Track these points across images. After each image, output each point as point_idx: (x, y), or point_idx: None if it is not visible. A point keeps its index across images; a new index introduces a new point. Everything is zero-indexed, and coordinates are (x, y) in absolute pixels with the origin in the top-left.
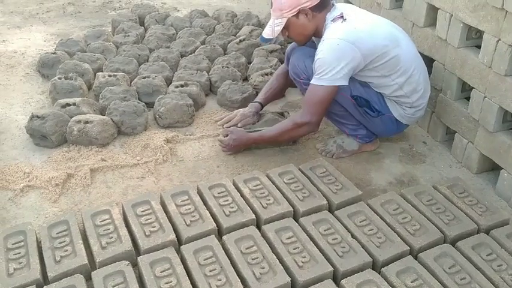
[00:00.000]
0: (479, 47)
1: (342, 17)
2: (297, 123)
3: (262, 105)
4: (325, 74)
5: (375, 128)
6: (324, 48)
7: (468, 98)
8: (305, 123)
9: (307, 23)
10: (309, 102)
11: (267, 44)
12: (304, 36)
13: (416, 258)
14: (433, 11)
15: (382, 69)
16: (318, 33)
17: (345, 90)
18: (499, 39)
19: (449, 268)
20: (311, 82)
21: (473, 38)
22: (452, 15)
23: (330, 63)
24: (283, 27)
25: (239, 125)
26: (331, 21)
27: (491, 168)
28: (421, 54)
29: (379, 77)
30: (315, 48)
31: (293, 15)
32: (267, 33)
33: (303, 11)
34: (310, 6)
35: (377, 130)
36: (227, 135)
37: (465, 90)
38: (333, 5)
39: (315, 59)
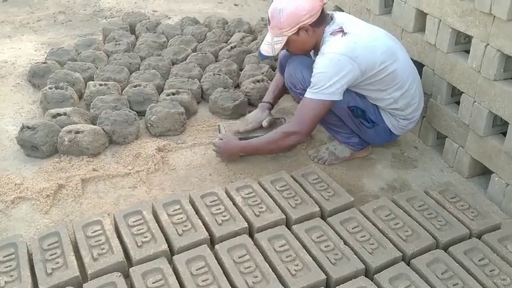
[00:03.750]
0: (468, 51)
1: (342, 30)
2: (285, 132)
3: (272, 105)
4: (323, 89)
5: (368, 137)
6: (324, 63)
7: (458, 103)
8: (294, 132)
9: (307, 39)
10: (302, 114)
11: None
12: (304, 51)
13: (408, 264)
14: (422, 16)
15: (379, 84)
16: (315, 46)
17: (342, 101)
18: (488, 44)
19: (441, 274)
20: (306, 95)
21: (462, 42)
22: (441, 20)
23: (330, 78)
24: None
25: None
26: (330, 34)
27: (483, 172)
28: (411, 59)
29: (375, 90)
30: (311, 57)
31: (293, 33)
32: (266, 50)
33: (303, 28)
34: (310, 22)
35: (370, 139)
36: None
37: (455, 95)
38: (332, 18)
39: (314, 73)
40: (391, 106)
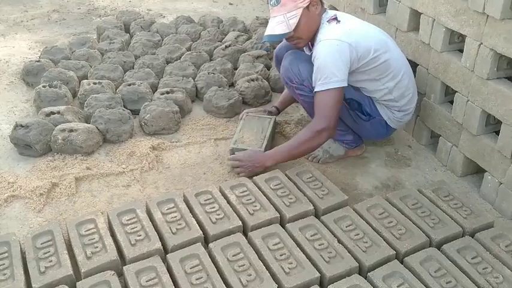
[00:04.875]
0: (461, 51)
1: (336, 18)
2: (316, 131)
3: (279, 110)
4: (331, 77)
5: (364, 132)
6: (324, 51)
7: (452, 102)
8: (323, 129)
9: (315, 15)
10: (323, 109)
11: (273, 44)
12: (311, 33)
13: (402, 262)
14: (416, 15)
15: (373, 72)
16: (313, 36)
17: None
18: (481, 43)
19: (435, 272)
20: (317, 89)
21: (456, 42)
22: (434, 19)
23: (333, 65)
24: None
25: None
26: (327, 21)
27: (476, 171)
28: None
29: (370, 80)
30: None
31: (305, 7)
32: (282, 29)
33: (313, 2)
34: None
35: (366, 134)
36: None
37: (449, 94)
38: (326, 9)
39: (317, 64)
40: (386, 97)
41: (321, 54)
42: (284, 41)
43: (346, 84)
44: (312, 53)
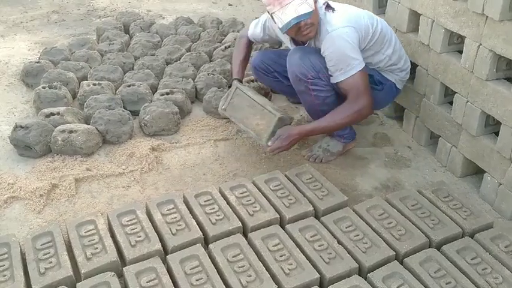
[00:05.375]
0: (461, 52)
1: (329, 6)
2: (355, 111)
3: (241, 81)
4: (352, 64)
5: (378, 101)
6: (336, 41)
7: (451, 103)
8: (362, 108)
9: (315, 2)
10: (357, 91)
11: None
12: (318, 19)
13: (402, 263)
14: (415, 16)
15: (375, 46)
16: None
17: None
18: (480, 44)
19: (434, 272)
20: (342, 78)
21: (455, 43)
22: (434, 20)
23: (350, 51)
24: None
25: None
26: (324, 11)
27: (475, 171)
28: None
29: (373, 54)
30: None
31: None
32: (305, 8)
33: None
34: None
35: (380, 103)
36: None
37: (448, 95)
38: None
39: (332, 56)
40: (388, 63)
41: (335, 44)
42: (258, 52)
43: (364, 64)
44: (307, 44)
